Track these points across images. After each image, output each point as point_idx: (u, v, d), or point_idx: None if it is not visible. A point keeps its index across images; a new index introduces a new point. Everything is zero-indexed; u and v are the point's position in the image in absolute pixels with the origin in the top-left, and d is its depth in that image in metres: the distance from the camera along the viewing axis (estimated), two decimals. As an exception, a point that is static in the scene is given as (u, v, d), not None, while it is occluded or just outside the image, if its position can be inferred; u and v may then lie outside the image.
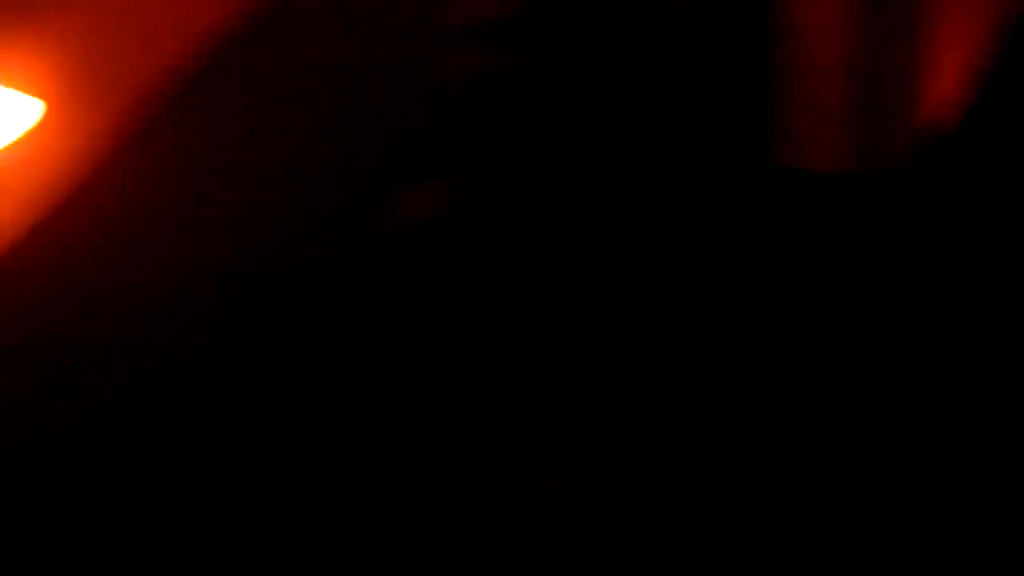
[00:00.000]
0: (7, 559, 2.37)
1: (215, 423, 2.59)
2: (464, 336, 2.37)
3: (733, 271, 2.56)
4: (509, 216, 2.36)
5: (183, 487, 2.48)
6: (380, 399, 2.40)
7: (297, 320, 2.63)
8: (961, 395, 2.50)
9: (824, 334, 2.60)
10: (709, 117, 2.73)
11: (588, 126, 2.39)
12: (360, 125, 2.71)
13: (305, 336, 2.60)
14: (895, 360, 2.55)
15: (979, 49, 2.79)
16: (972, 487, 2.41)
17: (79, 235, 2.65)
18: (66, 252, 2.65)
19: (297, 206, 2.77)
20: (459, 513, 2.26)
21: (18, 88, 2.76)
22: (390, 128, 2.64)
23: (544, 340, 2.35)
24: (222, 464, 2.51)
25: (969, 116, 2.75)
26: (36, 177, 2.67)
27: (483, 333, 2.36)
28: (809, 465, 2.42)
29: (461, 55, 2.36)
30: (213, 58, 2.68)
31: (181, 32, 2.73)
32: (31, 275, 2.61)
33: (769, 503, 2.34)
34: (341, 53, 2.78)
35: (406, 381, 2.38)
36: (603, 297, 2.37)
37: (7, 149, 2.68)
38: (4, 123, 2.72)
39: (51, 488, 2.47)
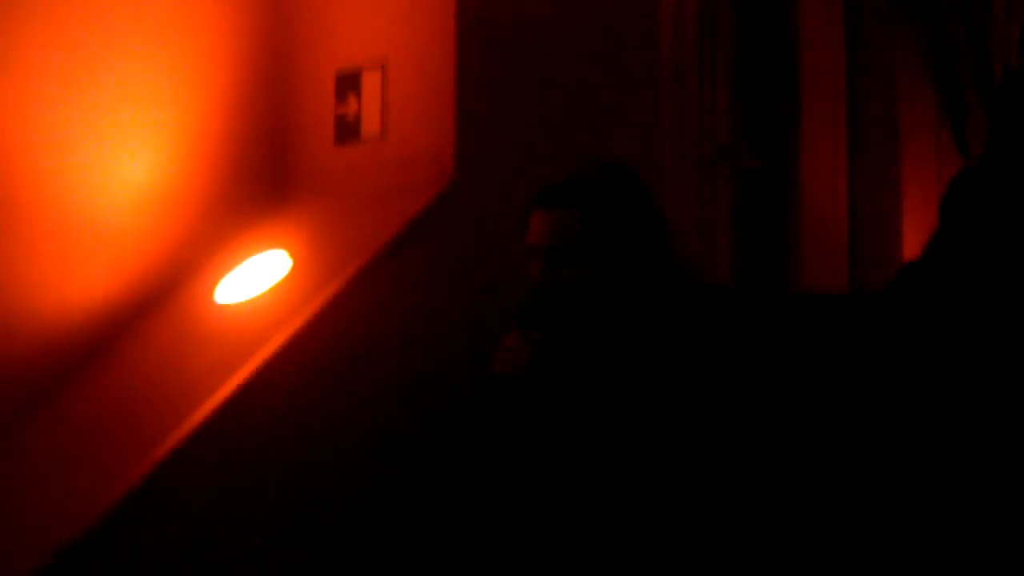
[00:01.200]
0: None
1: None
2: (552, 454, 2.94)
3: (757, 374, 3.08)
4: (577, 368, 2.92)
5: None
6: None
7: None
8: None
9: (830, 416, 3.33)
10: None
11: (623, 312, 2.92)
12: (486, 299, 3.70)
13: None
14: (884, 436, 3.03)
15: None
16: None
17: (315, 353, 3.53)
18: (308, 363, 3.54)
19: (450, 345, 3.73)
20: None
21: (274, 248, 3.87)
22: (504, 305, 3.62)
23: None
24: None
25: (933, 244, 3.24)
26: (284, 313, 3.64)
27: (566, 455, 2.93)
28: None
29: (538, 267, 2.94)
30: (408, 228, 3.73)
31: (387, 215, 3.79)
32: (284, 379, 3.49)
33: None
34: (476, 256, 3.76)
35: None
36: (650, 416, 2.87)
37: (264, 294, 3.74)
38: (263, 275, 3.80)
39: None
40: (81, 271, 3.76)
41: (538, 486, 2.94)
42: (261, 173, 4.09)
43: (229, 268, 3.87)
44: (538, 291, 2.95)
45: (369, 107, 3.92)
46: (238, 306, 3.72)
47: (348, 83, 3.97)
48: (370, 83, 3.92)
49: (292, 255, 3.82)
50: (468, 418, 3.39)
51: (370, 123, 3.92)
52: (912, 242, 4.51)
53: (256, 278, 3.79)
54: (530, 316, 3.01)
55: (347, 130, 3.97)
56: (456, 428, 3.55)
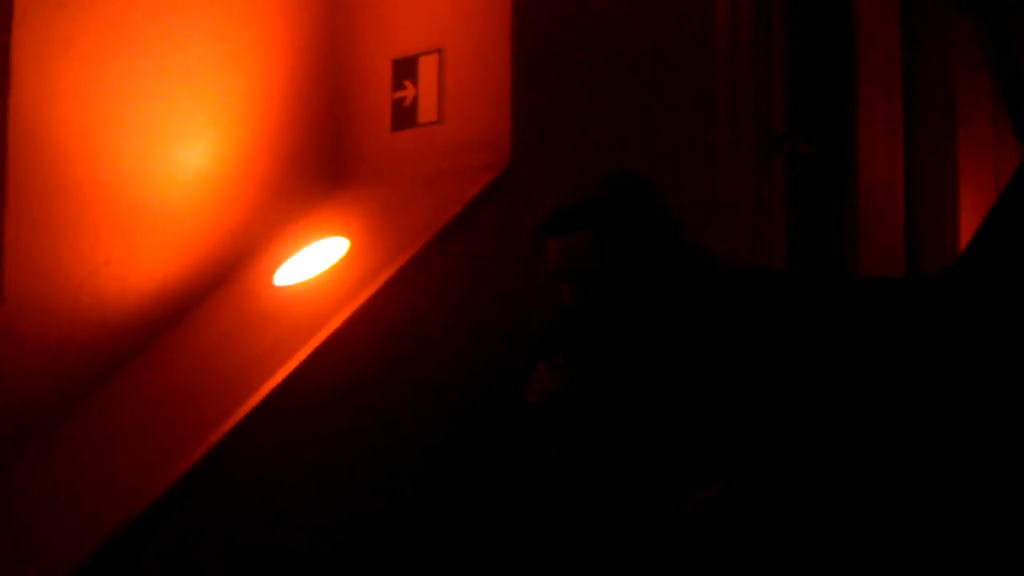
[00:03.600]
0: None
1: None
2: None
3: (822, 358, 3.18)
4: (606, 388, 2.98)
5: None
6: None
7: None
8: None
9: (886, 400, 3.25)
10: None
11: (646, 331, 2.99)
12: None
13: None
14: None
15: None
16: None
17: (372, 334, 3.55)
18: (366, 344, 3.56)
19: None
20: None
21: (332, 232, 3.91)
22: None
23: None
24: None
25: (989, 226, 3.42)
26: (342, 293, 3.66)
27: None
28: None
29: (567, 290, 3.00)
30: (464, 212, 3.75)
31: (443, 199, 3.82)
32: (342, 360, 3.50)
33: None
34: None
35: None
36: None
37: (323, 277, 3.78)
38: (322, 257, 3.84)
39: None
40: (143, 255, 3.80)
41: (578, 504, 2.97)
42: (319, 158, 4.13)
43: (288, 252, 3.90)
44: (572, 311, 3.00)
45: (426, 93, 3.95)
46: (297, 289, 3.75)
47: (405, 69, 4.00)
48: (427, 69, 3.95)
49: (350, 239, 3.85)
50: (508, 447, 3.43)
51: (427, 108, 3.95)
52: (969, 227, 4.49)
53: (315, 262, 3.83)
54: (552, 342, 3.07)
55: (404, 116, 4.00)
56: (497, 458, 3.57)
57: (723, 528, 2.82)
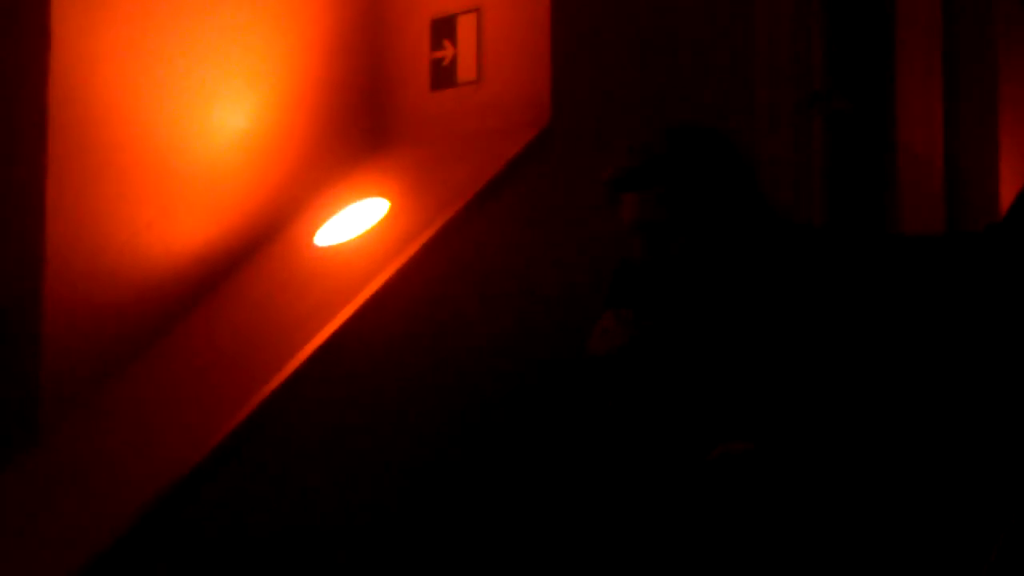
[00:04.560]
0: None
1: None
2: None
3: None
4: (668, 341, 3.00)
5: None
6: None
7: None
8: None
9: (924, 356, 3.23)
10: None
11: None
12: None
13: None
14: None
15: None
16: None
17: (414, 294, 3.57)
18: (407, 304, 3.56)
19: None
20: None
21: (372, 193, 3.92)
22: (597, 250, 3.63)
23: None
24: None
25: None
26: (382, 253, 3.68)
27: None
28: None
29: (639, 243, 2.98)
30: (504, 172, 3.75)
31: (483, 159, 3.82)
32: (384, 319, 3.51)
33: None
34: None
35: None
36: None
37: (363, 237, 3.79)
38: (362, 218, 3.85)
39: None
40: (185, 218, 3.81)
41: (637, 464, 2.96)
42: (358, 120, 4.13)
43: (329, 213, 3.91)
44: (643, 266, 2.99)
45: (464, 52, 3.95)
46: (338, 249, 3.77)
47: (443, 28, 4.00)
48: (465, 28, 3.95)
49: (390, 199, 3.85)
50: (568, 399, 3.42)
51: (465, 68, 3.95)
52: (1010, 183, 4.47)
53: (355, 223, 3.84)
54: (619, 293, 3.06)
55: (443, 75, 4.00)
56: (556, 410, 3.57)
57: (738, 486, 2.83)
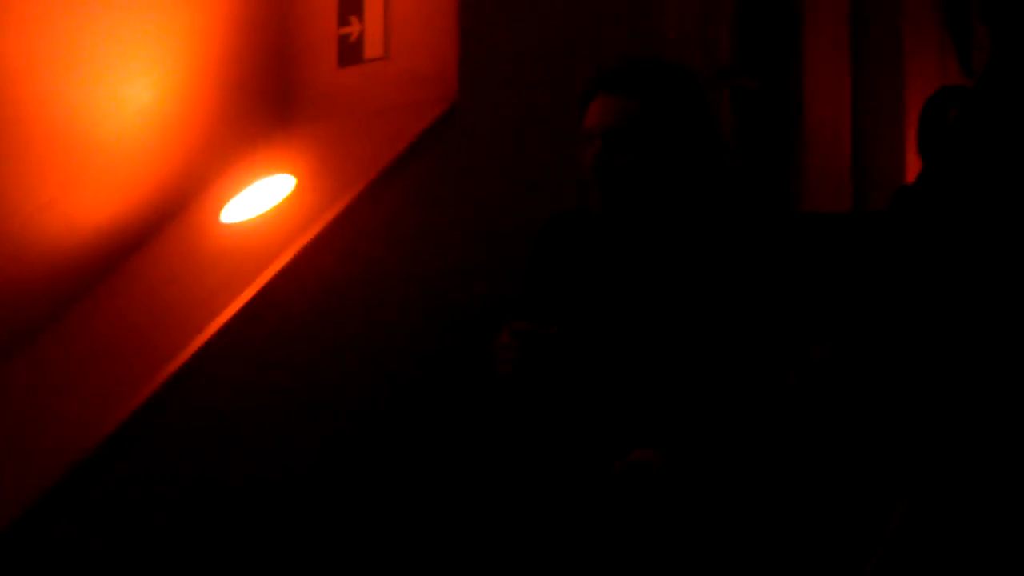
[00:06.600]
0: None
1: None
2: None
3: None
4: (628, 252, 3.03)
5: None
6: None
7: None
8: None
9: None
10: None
11: None
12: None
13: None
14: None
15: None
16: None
17: (320, 271, 3.54)
18: (314, 281, 3.55)
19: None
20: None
21: (278, 169, 3.89)
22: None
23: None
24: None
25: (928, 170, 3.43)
26: (288, 230, 3.65)
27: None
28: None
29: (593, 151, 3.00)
30: (411, 148, 3.73)
31: (390, 135, 3.80)
32: (291, 295, 3.49)
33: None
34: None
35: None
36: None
37: (270, 213, 3.76)
38: (268, 194, 3.82)
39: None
40: (88, 193, 3.77)
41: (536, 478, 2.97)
42: (265, 95, 4.10)
43: (235, 189, 3.88)
44: (592, 172, 3.02)
45: (372, 28, 3.93)
46: (244, 225, 3.74)
47: (350, 5, 3.97)
48: (372, 4, 3.93)
49: (296, 176, 3.83)
50: (479, 420, 3.42)
51: (373, 44, 3.93)
52: (915, 162, 4.51)
53: (261, 199, 3.81)
54: (546, 259, 3.08)
55: (350, 52, 3.98)
56: (466, 430, 3.56)
57: (641, 499, 2.84)
